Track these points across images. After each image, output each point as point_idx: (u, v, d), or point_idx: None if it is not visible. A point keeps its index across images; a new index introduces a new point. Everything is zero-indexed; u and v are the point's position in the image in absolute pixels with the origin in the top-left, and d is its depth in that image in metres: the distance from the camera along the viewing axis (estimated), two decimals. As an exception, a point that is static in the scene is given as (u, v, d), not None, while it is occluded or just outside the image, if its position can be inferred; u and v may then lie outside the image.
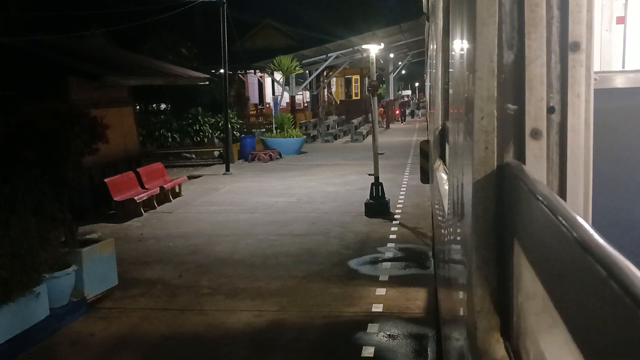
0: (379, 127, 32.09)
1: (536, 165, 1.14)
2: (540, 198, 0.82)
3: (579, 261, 0.63)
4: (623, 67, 3.64)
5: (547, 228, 0.77)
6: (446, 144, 3.21)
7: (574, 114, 1.14)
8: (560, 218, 0.72)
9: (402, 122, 37.94)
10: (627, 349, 0.50)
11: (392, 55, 37.61)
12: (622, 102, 2.17)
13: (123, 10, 23.72)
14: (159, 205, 12.95)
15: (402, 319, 6.39)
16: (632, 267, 0.54)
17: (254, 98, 35.75)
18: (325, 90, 39.62)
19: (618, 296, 0.51)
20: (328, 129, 30.26)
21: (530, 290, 0.92)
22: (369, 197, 11.68)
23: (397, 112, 41.17)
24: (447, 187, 2.18)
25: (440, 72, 3.77)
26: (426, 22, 7.70)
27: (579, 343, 0.65)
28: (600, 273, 0.56)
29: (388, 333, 6.06)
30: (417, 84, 72.09)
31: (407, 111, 46.85)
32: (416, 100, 44.79)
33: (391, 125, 37.32)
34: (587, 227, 0.66)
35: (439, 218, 3.27)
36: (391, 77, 43.09)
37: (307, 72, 30.42)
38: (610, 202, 1.99)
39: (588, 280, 0.60)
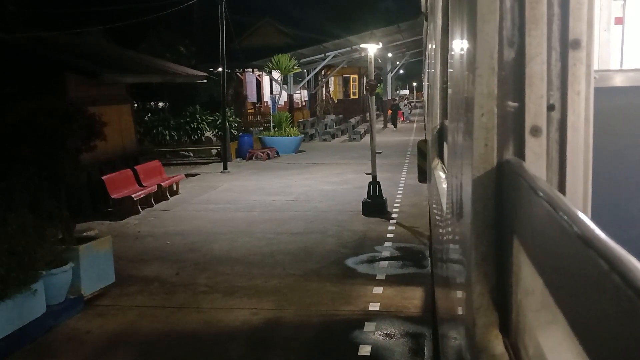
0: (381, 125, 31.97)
1: (536, 163, 1.14)
2: (541, 194, 0.82)
3: (581, 256, 0.63)
4: (621, 67, 3.64)
5: (548, 224, 0.77)
6: (444, 142, 3.22)
7: (574, 111, 1.14)
8: (561, 214, 0.72)
9: (394, 127, 36.68)
10: (629, 342, 0.51)
11: (390, 54, 37.65)
12: (621, 101, 2.17)
13: (121, 8, 23.70)
14: (156, 203, 12.94)
15: (399, 318, 6.40)
16: (633, 260, 0.54)
17: (252, 96, 35.73)
18: (323, 89, 39.61)
19: (620, 289, 0.52)
20: (326, 128, 30.27)
21: (530, 287, 0.93)
22: (366, 196, 11.67)
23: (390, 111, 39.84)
24: (445, 186, 2.18)
25: (439, 71, 3.77)
26: (424, 21, 7.71)
27: (579, 337, 0.65)
28: (602, 267, 0.56)
29: (385, 332, 6.06)
30: (415, 84, 72.16)
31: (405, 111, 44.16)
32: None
33: (388, 125, 37.23)
34: (589, 222, 0.66)
35: (437, 217, 3.27)
36: (389, 76, 43.14)
37: (305, 71, 30.45)
38: (609, 200, 2.00)
39: (589, 275, 0.60)
